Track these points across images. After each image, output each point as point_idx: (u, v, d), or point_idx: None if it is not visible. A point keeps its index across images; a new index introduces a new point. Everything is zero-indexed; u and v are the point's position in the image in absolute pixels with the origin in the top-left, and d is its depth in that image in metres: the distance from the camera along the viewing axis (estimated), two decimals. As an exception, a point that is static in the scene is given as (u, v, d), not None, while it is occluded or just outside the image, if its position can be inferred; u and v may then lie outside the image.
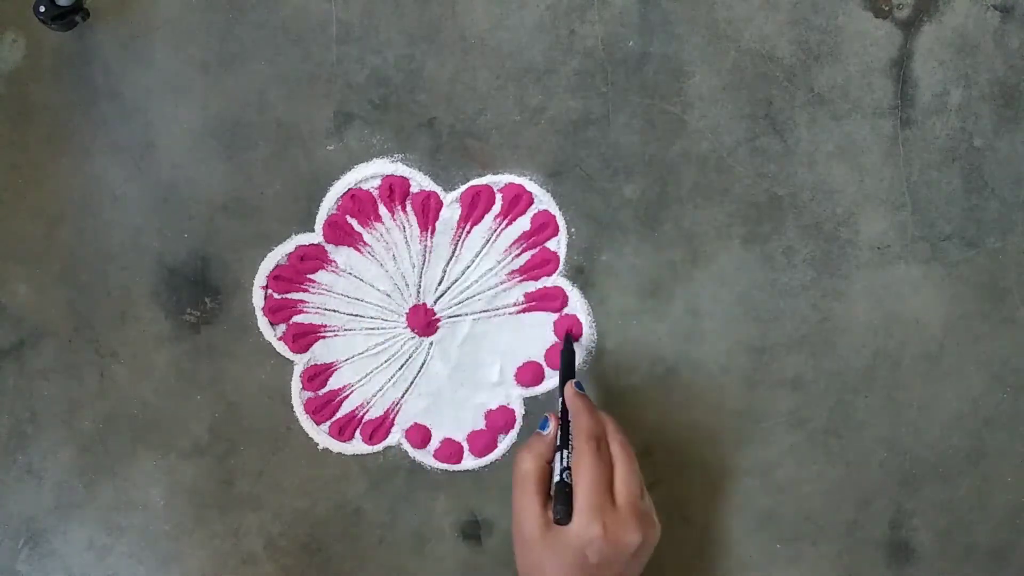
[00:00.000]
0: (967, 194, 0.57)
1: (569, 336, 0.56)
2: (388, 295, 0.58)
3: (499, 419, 0.58)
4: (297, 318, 0.57)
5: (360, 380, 0.59)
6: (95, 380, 0.58)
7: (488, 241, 0.57)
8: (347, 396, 0.59)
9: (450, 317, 0.58)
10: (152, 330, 0.57)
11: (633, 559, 0.47)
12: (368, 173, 0.56)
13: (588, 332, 0.58)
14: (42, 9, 0.51)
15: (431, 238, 0.57)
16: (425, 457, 0.59)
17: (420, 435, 0.59)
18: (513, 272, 0.57)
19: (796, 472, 0.60)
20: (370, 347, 0.58)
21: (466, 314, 0.58)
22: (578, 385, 0.52)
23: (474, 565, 0.60)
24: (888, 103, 0.56)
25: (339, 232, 0.56)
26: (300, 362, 0.58)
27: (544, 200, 0.57)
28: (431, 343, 0.58)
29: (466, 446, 0.58)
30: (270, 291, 0.57)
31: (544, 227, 0.56)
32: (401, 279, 0.57)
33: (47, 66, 0.55)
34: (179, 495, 0.59)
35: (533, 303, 0.57)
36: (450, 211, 0.56)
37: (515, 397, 0.58)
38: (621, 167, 0.56)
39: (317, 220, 0.56)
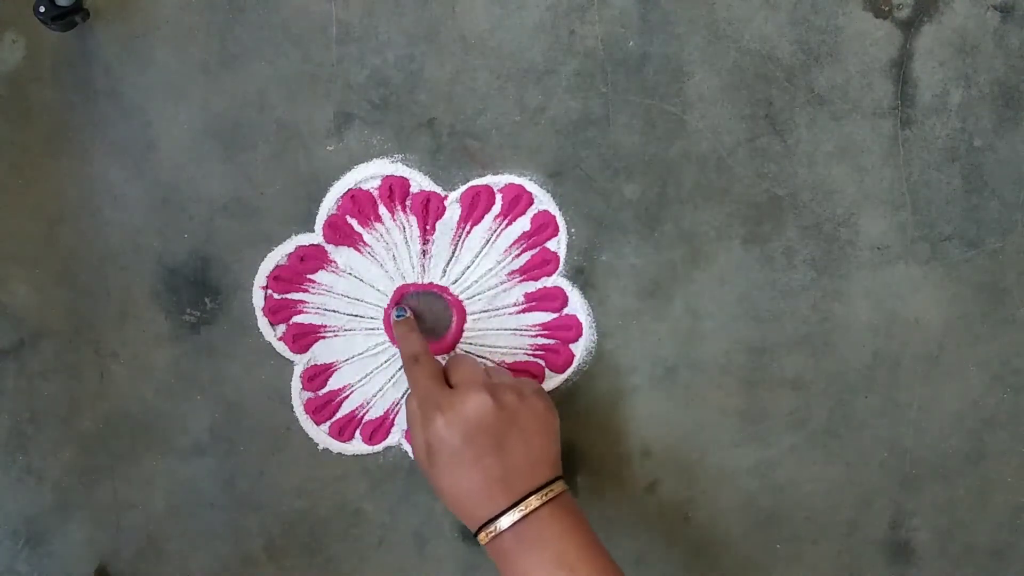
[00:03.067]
0: (967, 194, 0.57)
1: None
2: (388, 295, 0.57)
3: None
4: (297, 318, 0.57)
5: (360, 380, 0.59)
6: (95, 380, 0.58)
7: (488, 241, 0.57)
8: (347, 396, 0.59)
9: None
10: (152, 330, 0.57)
11: (511, 426, 0.48)
12: (368, 173, 0.56)
13: (588, 332, 0.58)
14: (42, 9, 0.51)
15: (431, 238, 0.57)
16: (425, 457, 0.59)
17: (420, 435, 0.59)
18: (513, 272, 0.57)
19: (796, 472, 0.60)
20: (370, 347, 0.58)
21: (466, 314, 0.58)
22: (399, 312, 0.56)
23: (474, 565, 0.60)
24: (888, 103, 0.56)
25: (339, 232, 0.56)
26: (300, 362, 0.58)
27: (544, 200, 0.57)
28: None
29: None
30: (270, 291, 0.57)
31: (544, 227, 0.56)
32: (401, 279, 0.57)
33: (47, 66, 0.55)
34: (179, 495, 0.59)
35: (533, 303, 0.57)
36: (450, 211, 0.56)
37: (515, 397, 0.58)
38: (621, 167, 0.56)
39: (317, 220, 0.56)
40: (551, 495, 0.48)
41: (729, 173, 0.56)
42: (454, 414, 0.48)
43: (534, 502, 0.47)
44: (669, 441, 0.59)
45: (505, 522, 0.47)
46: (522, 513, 0.47)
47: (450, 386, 0.51)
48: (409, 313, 0.56)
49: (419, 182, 0.56)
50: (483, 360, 0.58)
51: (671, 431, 0.59)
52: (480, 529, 0.48)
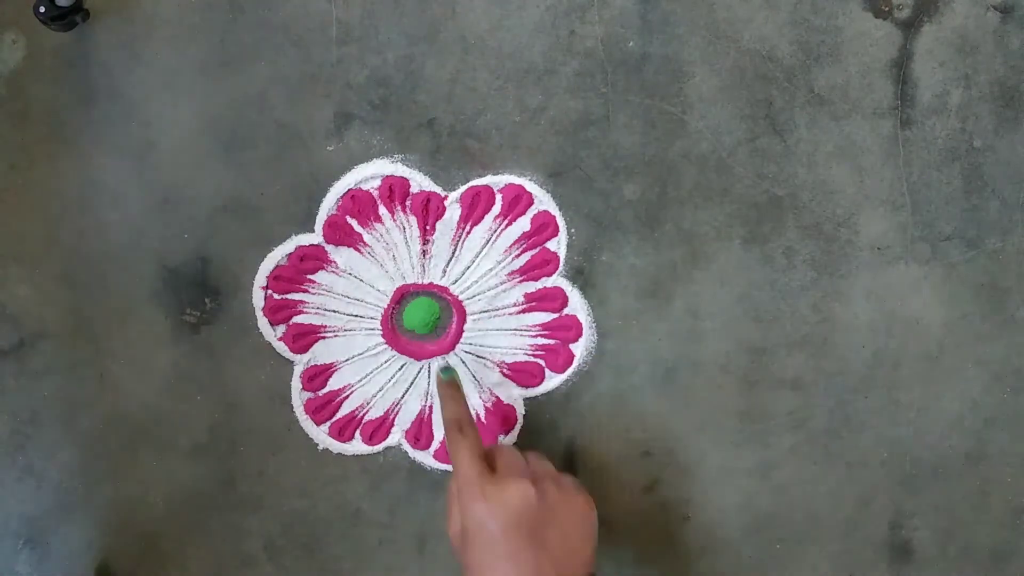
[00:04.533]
0: (967, 194, 0.57)
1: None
2: (388, 296, 0.57)
3: (499, 419, 0.58)
4: (297, 318, 0.57)
5: (360, 380, 0.59)
6: (95, 380, 0.58)
7: (488, 242, 0.57)
8: (347, 396, 0.59)
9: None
10: (152, 330, 0.57)
11: (550, 521, 0.47)
12: (368, 173, 0.56)
13: (588, 332, 0.58)
14: (42, 9, 0.51)
15: (431, 239, 0.57)
16: (425, 457, 0.59)
17: (420, 435, 0.59)
18: (513, 272, 0.57)
19: (796, 472, 0.60)
20: (370, 347, 0.58)
21: (466, 315, 0.58)
22: (445, 371, 0.55)
23: (474, 565, 0.60)
24: (888, 103, 0.56)
25: (339, 232, 0.56)
26: (300, 362, 0.58)
27: (544, 200, 0.57)
28: (431, 343, 0.58)
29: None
30: (270, 291, 0.57)
31: (544, 227, 0.56)
32: (401, 280, 0.57)
33: (47, 66, 0.55)
34: (179, 495, 0.59)
35: (533, 303, 0.57)
36: (450, 211, 0.56)
37: (515, 397, 0.58)
38: (621, 167, 0.56)
39: (317, 220, 0.56)
40: None
41: (729, 173, 0.56)
42: (497, 503, 0.46)
43: None
44: (669, 441, 0.59)
45: None
46: None
47: (492, 469, 0.49)
48: (455, 374, 0.55)
49: (419, 182, 0.56)
50: (483, 360, 0.58)
51: (671, 431, 0.59)
52: None
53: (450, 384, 0.54)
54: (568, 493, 0.49)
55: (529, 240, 0.57)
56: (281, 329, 0.58)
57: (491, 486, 0.47)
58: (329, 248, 0.57)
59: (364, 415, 0.59)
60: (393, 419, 0.59)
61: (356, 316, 0.58)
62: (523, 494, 0.46)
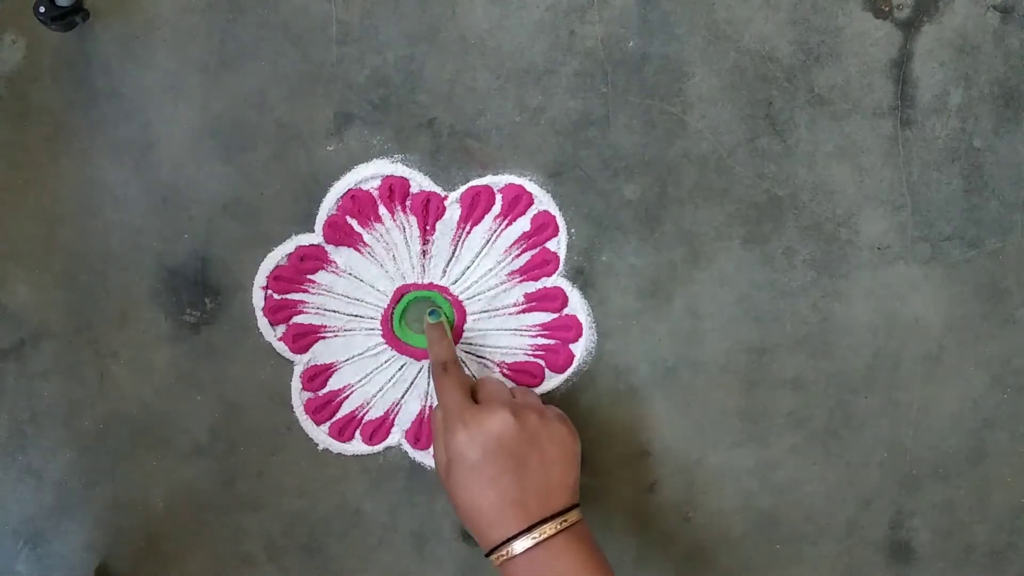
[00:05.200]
0: (967, 194, 0.57)
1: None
2: (388, 296, 0.57)
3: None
4: (297, 318, 0.57)
5: (360, 380, 0.59)
6: (95, 381, 0.58)
7: (488, 242, 0.57)
8: (347, 396, 0.59)
9: (450, 317, 0.58)
10: (152, 331, 0.57)
11: (531, 449, 0.48)
12: (368, 173, 0.56)
13: (588, 332, 0.58)
14: (42, 10, 0.51)
15: (431, 239, 0.57)
16: (425, 457, 0.59)
17: (420, 435, 0.59)
18: (513, 272, 0.57)
19: (796, 472, 0.60)
20: (370, 347, 0.58)
21: (466, 314, 0.58)
22: (432, 314, 0.56)
23: (474, 565, 0.60)
24: (888, 103, 0.56)
25: (339, 232, 0.56)
26: (300, 362, 0.58)
27: (544, 200, 0.57)
28: (431, 343, 0.58)
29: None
30: (270, 292, 0.57)
31: (544, 227, 0.56)
32: (401, 279, 0.57)
33: (47, 66, 0.55)
34: (179, 495, 0.59)
35: (533, 303, 0.57)
36: (450, 211, 0.56)
37: (515, 397, 0.58)
38: (621, 167, 0.56)
39: (317, 220, 0.56)
40: (566, 524, 0.48)
41: (729, 173, 0.56)
42: (477, 430, 0.48)
43: (549, 530, 0.47)
44: (669, 441, 0.59)
45: (519, 547, 0.47)
46: (535, 540, 0.47)
47: (476, 402, 0.51)
48: (443, 317, 0.56)
49: (419, 182, 0.56)
50: (483, 360, 0.58)
51: (671, 431, 0.59)
52: (493, 550, 0.48)
53: (437, 326, 0.55)
54: (550, 423, 0.50)
55: (529, 240, 0.57)
56: (281, 329, 0.58)
57: (472, 414, 0.49)
58: (329, 248, 0.57)
59: (364, 415, 0.59)
60: (393, 419, 0.59)
61: (356, 316, 0.58)
62: (502, 421, 0.48)
